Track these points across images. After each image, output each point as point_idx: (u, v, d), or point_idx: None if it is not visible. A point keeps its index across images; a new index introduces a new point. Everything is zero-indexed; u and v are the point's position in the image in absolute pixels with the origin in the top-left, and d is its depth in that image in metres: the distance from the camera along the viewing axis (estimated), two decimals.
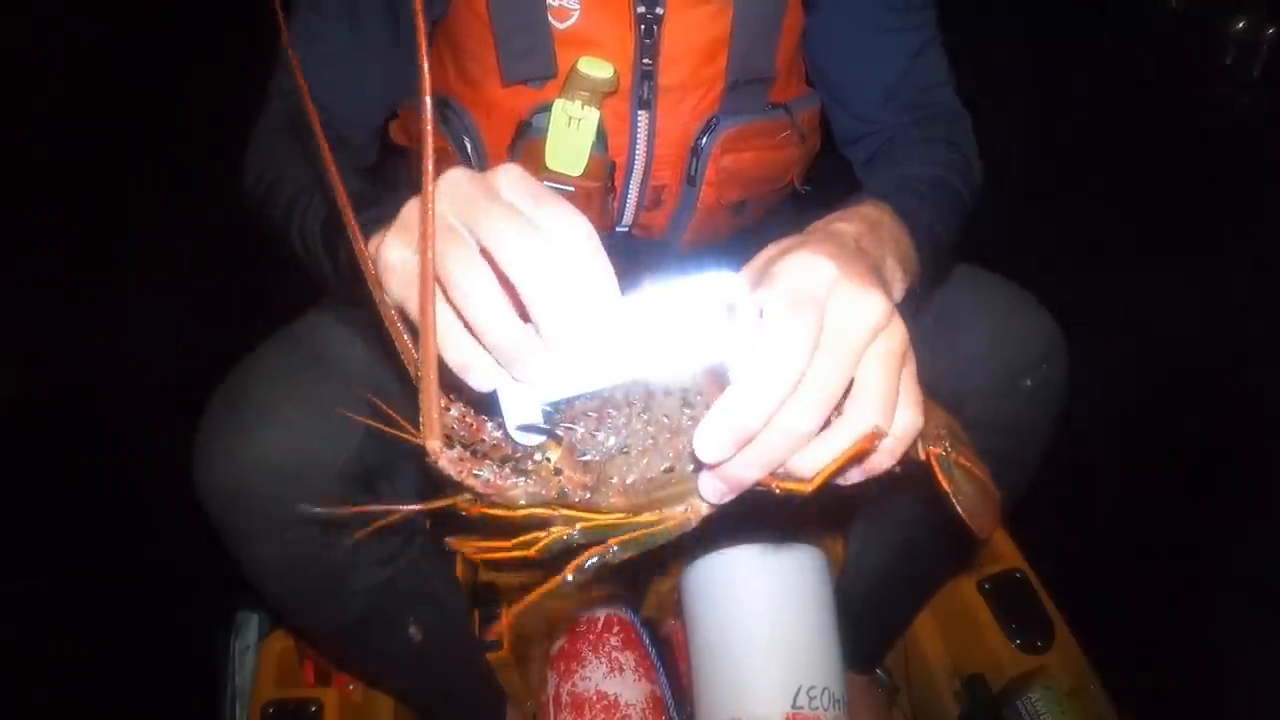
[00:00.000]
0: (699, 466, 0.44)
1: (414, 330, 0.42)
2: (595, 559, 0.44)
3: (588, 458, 0.44)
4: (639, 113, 0.77)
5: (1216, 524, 1.47)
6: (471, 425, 0.43)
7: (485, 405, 0.44)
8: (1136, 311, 1.83)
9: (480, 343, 0.41)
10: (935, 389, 0.68)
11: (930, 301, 0.67)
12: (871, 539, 0.98)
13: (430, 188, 0.38)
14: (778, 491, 0.43)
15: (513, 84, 0.76)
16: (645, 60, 0.75)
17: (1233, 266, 1.95)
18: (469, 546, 0.46)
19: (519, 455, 0.44)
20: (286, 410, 0.64)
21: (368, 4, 0.75)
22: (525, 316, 0.41)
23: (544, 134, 0.75)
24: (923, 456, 0.51)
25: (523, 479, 0.43)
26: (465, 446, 0.43)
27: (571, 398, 0.44)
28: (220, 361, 0.68)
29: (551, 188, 0.76)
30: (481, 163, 0.80)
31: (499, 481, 0.42)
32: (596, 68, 0.73)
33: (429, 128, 0.38)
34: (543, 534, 0.44)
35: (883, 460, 0.45)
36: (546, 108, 0.75)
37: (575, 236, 0.41)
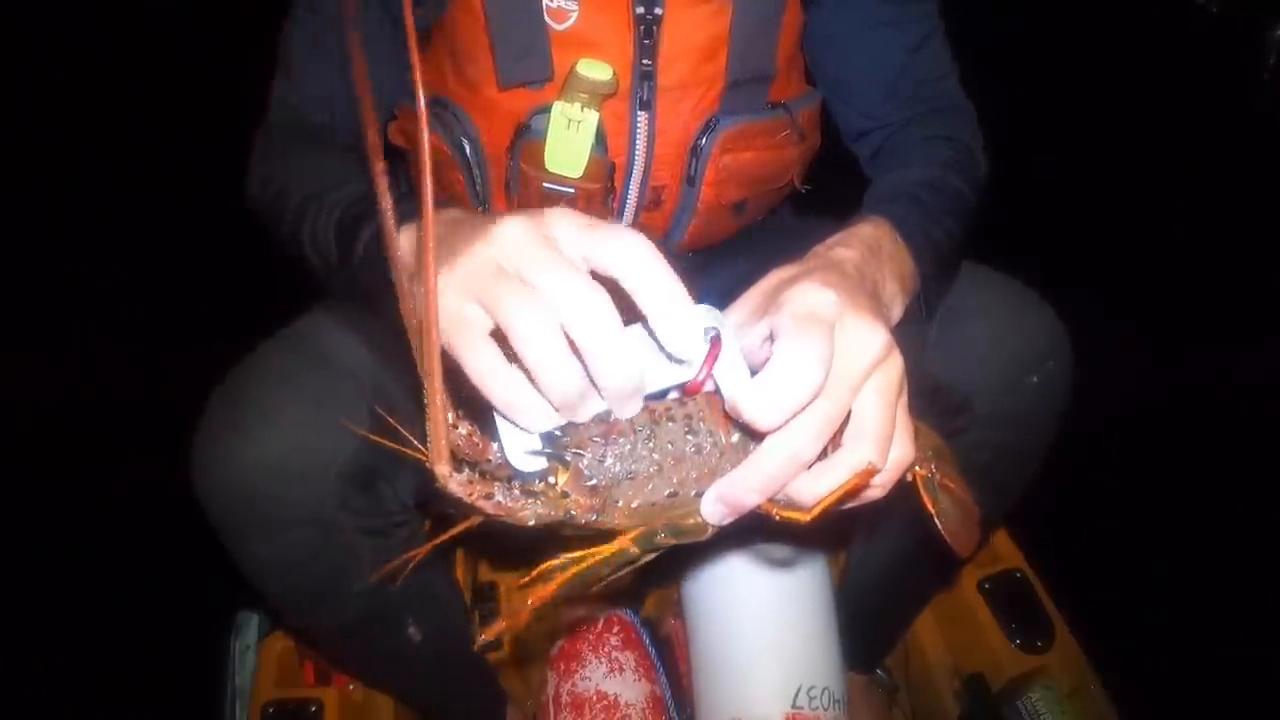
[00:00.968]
0: (701, 493, 0.46)
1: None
2: (623, 557, 0.45)
3: (594, 482, 0.45)
4: (638, 113, 0.77)
5: (1217, 524, 1.47)
6: (478, 445, 0.44)
7: (487, 421, 0.45)
8: (1137, 312, 1.83)
9: (535, 385, 0.43)
10: (944, 385, 0.69)
11: (937, 302, 0.69)
12: (871, 541, 0.98)
13: (428, 189, 0.38)
14: (777, 518, 0.45)
15: (509, 87, 0.76)
16: (644, 61, 0.75)
17: (1240, 267, 1.95)
18: (507, 626, 0.48)
19: (525, 478, 0.44)
20: (287, 410, 0.64)
21: (366, 4, 0.74)
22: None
23: (543, 136, 0.75)
24: (909, 478, 0.52)
25: (533, 501, 0.43)
26: (471, 466, 0.43)
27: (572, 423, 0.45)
28: (220, 361, 0.68)
29: (551, 190, 0.77)
30: (480, 164, 0.80)
31: (510, 504, 0.43)
32: (596, 70, 0.73)
33: (424, 129, 0.38)
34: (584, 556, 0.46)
35: (875, 492, 0.47)
36: (545, 110, 0.75)
37: (640, 258, 0.42)
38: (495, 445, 0.45)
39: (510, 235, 0.43)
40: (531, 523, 0.44)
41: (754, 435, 0.45)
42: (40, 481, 1.48)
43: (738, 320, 0.50)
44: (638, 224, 0.86)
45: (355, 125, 0.79)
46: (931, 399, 0.58)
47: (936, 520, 0.53)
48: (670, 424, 0.46)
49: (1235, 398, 1.66)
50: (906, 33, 0.82)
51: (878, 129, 0.86)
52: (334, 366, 0.67)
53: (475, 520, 0.44)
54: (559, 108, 0.74)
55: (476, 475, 0.42)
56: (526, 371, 0.42)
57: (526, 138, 0.76)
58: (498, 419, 0.44)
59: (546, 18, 0.73)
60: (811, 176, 0.92)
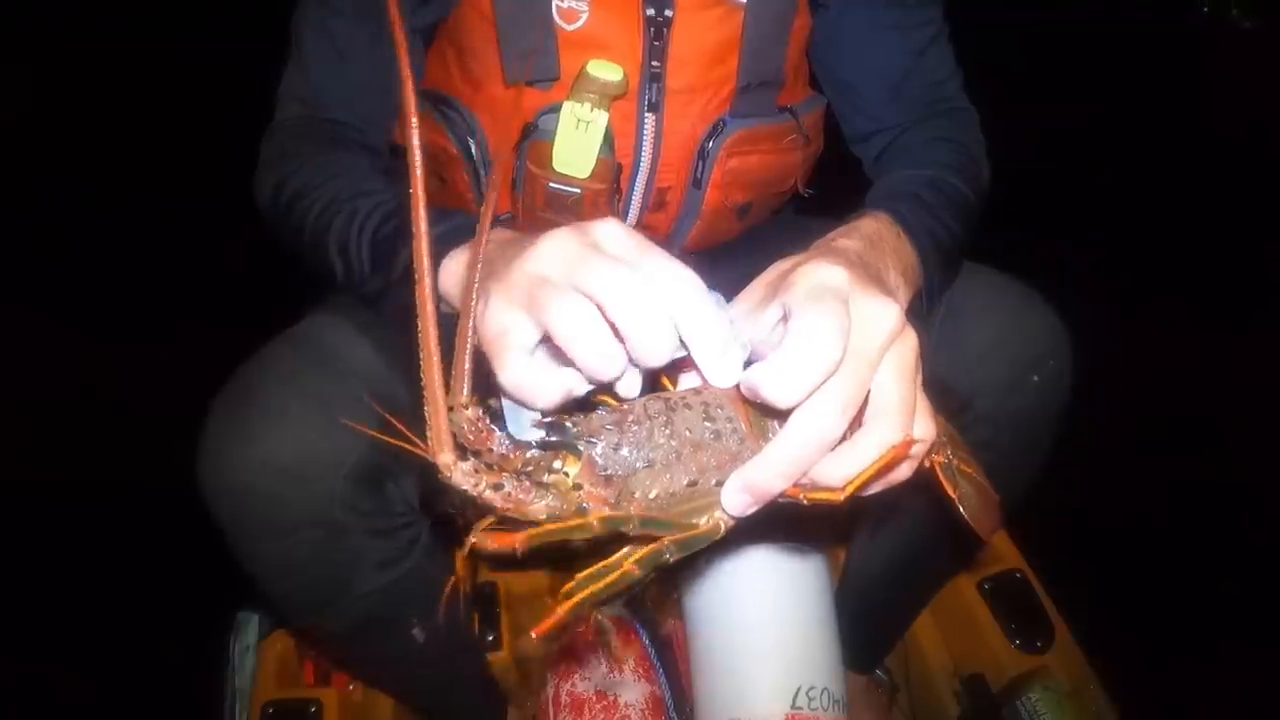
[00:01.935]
0: (721, 480, 0.44)
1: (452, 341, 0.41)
2: (654, 557, 0.43)
3: (609, 473, 0.43)
4: (646, 115, 0.77)
5: (1217, 524, 1.48)
6: (482, 432, 0.41)
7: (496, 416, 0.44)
8: (1138, 311, 1.84)
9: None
10: (947, 385, 0.69)
11: (940, 302, 0.69)
12: (872, 539, 0.98)
13: (419, 185, 0.37)
14: (806, 503, 0.43)
15: (514, 85, 0.75)
16: (654, 63, 0.75)
17: (1240, 267, 1.96)
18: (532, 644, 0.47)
19: (532, 467, 0.42)
20: (293, 410, 0.63)
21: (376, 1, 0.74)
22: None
23: (550, 136, 0.75)
24: (927, 464, 0.52)
25: (543, 493, 0.41)
26: (474, 455, 0.41)
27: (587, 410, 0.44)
28: (225, 361, 0.67)
29: (556, 190, 0.77)
30: (485, 163, 0.80)
31: (520, 495, 0.40)
32: (607, 70, 0.73)
33: (414, 132, 0.38)
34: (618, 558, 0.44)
35: (904, 470, 0.46)
36: (553, 109, 0.74)
37: (684, 285, 0.42)
38: (499, 435, 0.42)
39: (556, 245, 0.44)
40: (543, 517, 0.41)
41: (775, 419, 0.44)
42: (40, 481, 1.48)
43: (745, 309, 0.49)
44: (641, 225, 0.86)
45: (377, 123, 0.78)
46: (932, 399, 0.58)
47: (959, 505, 0.52)
48: (687, 410, 0.44)
49: (1236, 397, 1.66)
50: (912, 36, 0.83)
51: (882, 132, 0.86)
52: (340, 367, 0.67)
53: (489, 521, 0.41)
54: (569, 107, 0.74)
55: (483, 465, 0.40)
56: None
57: (533, 137, 0.76)
58: (505, 403, 0.43)
59: (556, 18, 0.73)
60: (814, 180, 0.92)
